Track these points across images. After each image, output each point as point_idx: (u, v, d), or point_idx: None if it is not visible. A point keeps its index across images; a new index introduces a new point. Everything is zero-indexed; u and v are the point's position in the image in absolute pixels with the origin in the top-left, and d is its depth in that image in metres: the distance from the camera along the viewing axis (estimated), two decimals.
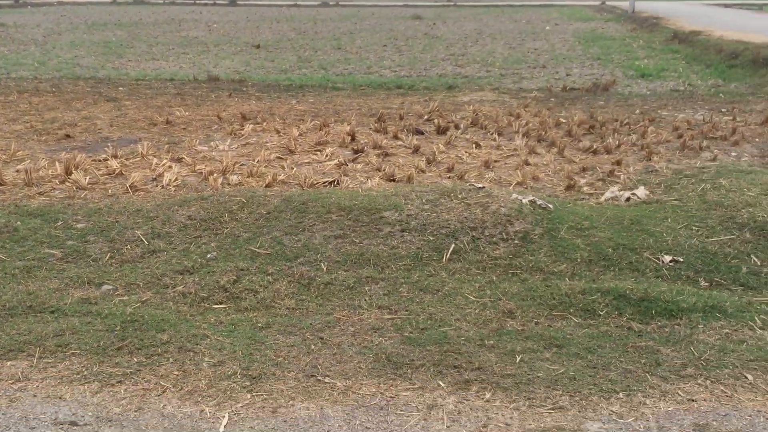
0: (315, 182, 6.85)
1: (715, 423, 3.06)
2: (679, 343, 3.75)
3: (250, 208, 5.59)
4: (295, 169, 7.47)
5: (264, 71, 15.77)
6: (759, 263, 4.74)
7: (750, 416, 3.11)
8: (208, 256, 4.90)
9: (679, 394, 3.27)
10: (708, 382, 3.38)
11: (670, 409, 3.16)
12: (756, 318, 4.05)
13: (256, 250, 4.97)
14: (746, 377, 3.43)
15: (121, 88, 12.75)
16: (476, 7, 47.18)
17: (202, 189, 6.58)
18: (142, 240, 5.15)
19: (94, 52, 18.80)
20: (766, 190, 5.74)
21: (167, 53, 19.27)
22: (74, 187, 6.49)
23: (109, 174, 7.10)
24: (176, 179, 7.03)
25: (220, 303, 4.28)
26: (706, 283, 4.55)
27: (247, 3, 55.18)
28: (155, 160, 7.74)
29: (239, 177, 7.10)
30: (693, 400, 3.23)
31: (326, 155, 8.10)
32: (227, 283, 4.47)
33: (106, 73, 14.77)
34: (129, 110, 10.74)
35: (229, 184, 6.84)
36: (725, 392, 3.30)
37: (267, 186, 6.67)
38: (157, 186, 6.80)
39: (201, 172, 7.30)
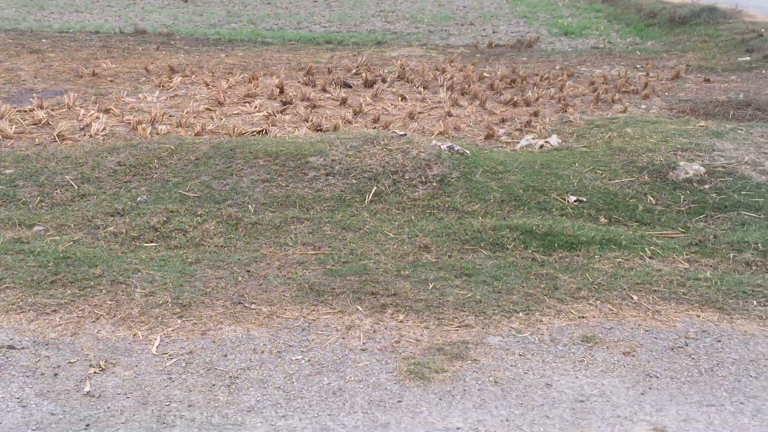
0: (243, 132, 7.01)
1: (600, 335, 3.44)
2: (577, 271, 4.13)
3: (179, 154, 5.74)
4: (224, 119, 7.60)
5: (192, 25, 15.61)
6: (654, 202, 5.16)
7: (631, 329, 3.51)
8: (139, 199, 5.05)
9: (572, 313, 3.65)
10: (598, 302, 3.77)
11: (562, 324, 3.53)
12: (647, 249, 4.46)
13: (186, 193, 5.15)
14: (632, 297, 3.82)
15: (44, 40, 12.50)
16: None
17: (131, 138, 6.67)
18: (71, 184, 5.26)
19: (14, 4, 18.22)
20: (666, 137, 6.18)
21: (91, 5, 18.81)
22: (0, 136, 6.50)
23: (36, 124, 7.10)
24: (104, 129, 7.09)
25: (151, 242, 4.47)
26: (606, 220, 4.96)
27: None
28: (82, 111, 7.75)
29: (168, 127, 7.20)
30: (583, 317, 3.61)
31: (255, 107, 8.24)
32: (157, 224, 4.65)
33: (28, 25, 14.42)
34: (53, 62, 10.59)
35: (158, 134, 6.93)
36: (612, 310, 3.69)
37: (196, 135, 6.81)
38: (85, 135, 6.85)
39: (129, 122, 7.36)
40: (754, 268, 4.25)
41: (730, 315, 3.65)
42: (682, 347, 3.35)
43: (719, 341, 3.40)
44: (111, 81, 9.63)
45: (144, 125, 7.18)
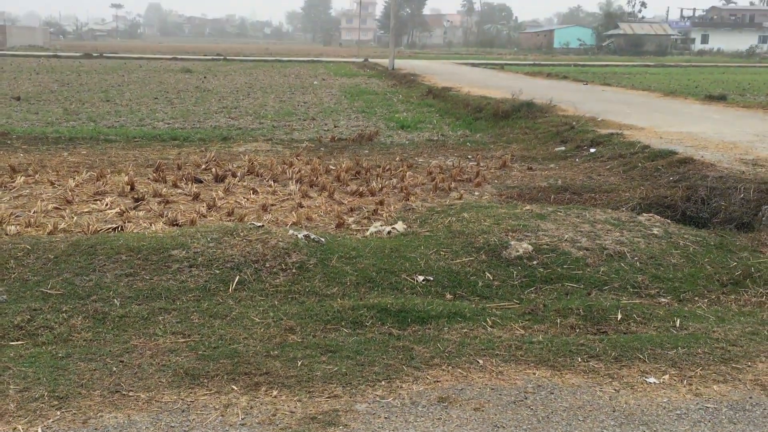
0: (99, 229, 7.09)
1: (453, 395, 3.88)
2: (429, 342, 4.59)
3: (37, 253, 5.77)
4: (75, 218, 7.63)
5: (29, 124, 15.33)
6: (492, 278, 5.78)
7: (479, 388, 3.98)
8: None
9: (428, 378, 4.08)
10: (450, 367, 4.23)
11: (420, 389, 3.95)
12: (488, 319, 5.02)
13: (48, 291, 5.20)
14: (478, 362, 4.32)
15: None
16: (245, 62, 48.13)
17: None
18: None
19: None
20: (498, 220, 6.92)
21: None
22: None
23: None
24: None
25: (17, 340, 4.50)
26: (451, 296, 5.50)
27: (0, 53, 51.96)
28: None
29: (18, 227, 7.14)
30: (438, 381, 4.05)
31: (106, 204, 8.32)
32: (21, 322, 4.68)
33: None
34: None
35: (7, 234, 6.87)
36: (462, 373, 4.16)
37: (50, 234, 6.81)
38: None
39: None
40: (578, 330, 4.90)
41: (560, 371, 4.21)
42: (522, 400, 3.85)
43: (552, 393, 3.94)
44: None
45: None
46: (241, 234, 6.09)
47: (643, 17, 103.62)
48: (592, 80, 29.88)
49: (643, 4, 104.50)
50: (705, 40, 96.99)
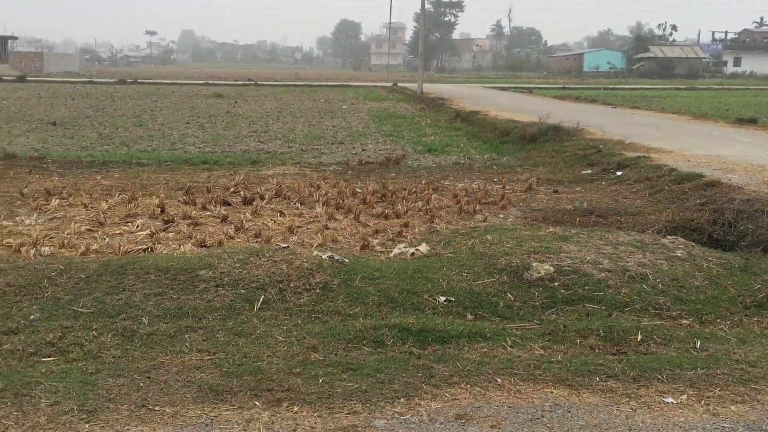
0: (129, 250, 7.28)
1: (471, 412, 3.94)
2: (449, 361, 4.66)
3: (69, 273, 5.95)
4: (107, 239, 7.83)
5: (63, 148, 15.70)
6: (513, 299, 5.84)
7: (497, 406, 4.04)
8: (32, 317, 5.22)
9: (446, 396, 4.15)
10: (468, 386, 4.29)
11: (438, 406, 4.02)
12: (508, 339, 5.08)
13: (79, 309, 5.37)
14: (497, 380, 4.38)
15: None
16: (276, 87, 48.75)
17: (13, 261, 6.78)
18: None
19: None
20: (520, 242, 6.98)
21: None
22: None
23: None
24: None
25: (49, 356, 4.66)
26: (472, 316, 5.57)
27: (38, 79, 53.22)
28: None
29: (51, 248, 7.36)
30: (456, 399, 4.12)
31: (137, 226, 8.52)
32: (53, 339, 4.84)
33: None
34: None
35: (41, 255, 7.07)
36: (480, 392, 4.22)
37: (82, 255, 7.00)
38: None
39: (10, 246, 7.45)
40: (597, 350, 4.94)
41: (577, 390, 4.26)
42: (539, 418, 3.90)
43: (569, 412, 3.98)
44: None
45: (27, 247, 7.31)
46: (267, 255, 6.23)
47: (674, 40, 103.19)
48: (622, 103, 29.80)
49: (674, 28, 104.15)
50: (737, 62, 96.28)
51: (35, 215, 9.06)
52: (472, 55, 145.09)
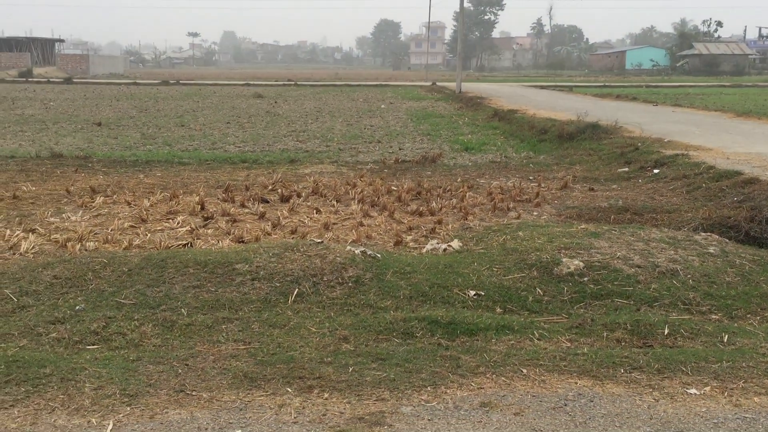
0: (169, 245, 7.52)
1: (495, 401, 4.06)
2: (476, 352, 4.77)
3: (113, 266, 6.19)
4: (149, 235, 8.09)
5: (108, 148, 16.12)
6: (542, 293, 5.93)
7: (521, 395, 4.15)
8: (77, 308, 5.46)
9: (472, 385, 4.27)
10: (494, 376, 4.40)
11: (464, 394, 4.14)
12: (535, 332, 5.17)
13: (122, 301, 5.60)
14: (522, 371, 4.48)
15: None
16: (315, 87, 49.13)
17: (60, 255, 7.06)
18: (11, 297, 5.63)
19: None
20: (551, 238, 7.05)
21: (3, 131, 19.12)
22: None
23: None
24: (33, 247, 7.46)
25: (93, 344, 4.88)
26: (501, 310, 5.67)
27: (83, 81, 54.40)
28: (8, 232, 8.07)
29: (96, 244, 7.64)
30: (481, 388, 4.23)
31: (178, 222, 8.77)
32: (98, 329, 5.07)
33: None
34: None
35: (86, 250, 7.35)
36: (506, 381, 4.32)
37: (125, 249, 7.26)
38: (14, 254, 7.20)
39: (57, 241, 7.76)
40: (623, 343, 5.01)
41: (601, 381, 4.34)
42: (562, 407, 4.00)
43: (592, 401, 4.07)
44: (32, 203, 10.00)
45: (72, 242, 7.61)
46: (301, 249, 6.40)
47: (719, 36, 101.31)
48: (663, 101, 29.47)
49: (719, 24, 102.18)
50: None
51: (81, 212, 9.37)
52: (512, 53, 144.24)
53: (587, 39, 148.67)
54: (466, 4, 60.41)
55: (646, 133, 16.54)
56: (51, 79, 53.87)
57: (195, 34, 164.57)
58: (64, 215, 9.20)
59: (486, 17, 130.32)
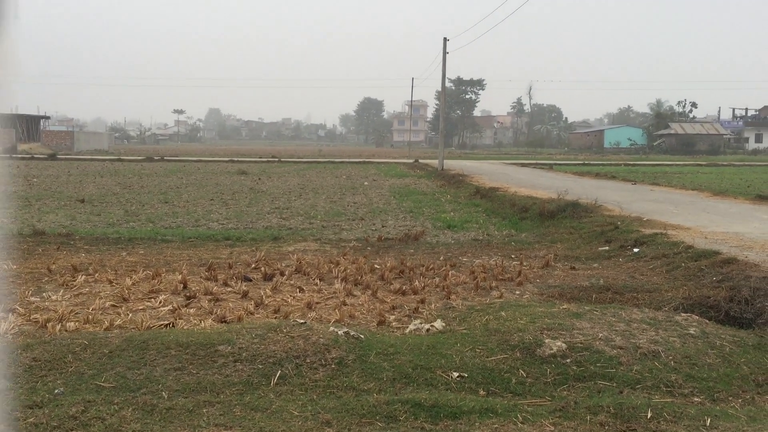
0: (151, 325, 7.47)
1: None
2: None
3: (93, 348, 6.13)
4: (130, 315, 8.04)
5: (91, 225, 16.11)
6: (525, 375, 5.93)
7: None
8: (56, 391, 5.38)
9: None
10: None
11: None
12: (519, 415, 5.15)
13: (102, 384, 5.53)
14: None
15: None
16: (299, 163, 49.60)
17: (40, 336, 6.99)
18: None
19: None
20: (534, 318, 7.08)
21: None
22: None
23: None
24: (13, 328, 7.38)
25: (72, 430, 4.80)
26: (484, 392, 5.65)
27: (68, 157, 54.62)
28: None
29: (76, 324, 7.57)
30: None
31: (160, 302, 8.73)
32: (76, 413, 4.99)
33: None
34: None
35: (66, 331, 7.28)
36: None
37: (106, 330, 7.20)
38: None
39: (37, 321, 7.68)
40: (607, 427, 4.99)
41: None
42: None
43: None
44: (12, 282, 9.91)
45: (53, 323, 7.54)
46: (284, 330, 6.39)
47: (694, 117, 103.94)
48: (642, 180, 30.01)
49: (694, 104, 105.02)
50: (759, 139, 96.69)
51: (62, 291, 9.31)
52: (493, 131, 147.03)
53: (566, 118, 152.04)
54: (448, 84, 61.82)
55: (626, 211, 16.80)
56: (35, 156, 54.06)
57: (180, 111, 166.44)
58: (44, 294, 9.13)
59: (467, 96, 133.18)
